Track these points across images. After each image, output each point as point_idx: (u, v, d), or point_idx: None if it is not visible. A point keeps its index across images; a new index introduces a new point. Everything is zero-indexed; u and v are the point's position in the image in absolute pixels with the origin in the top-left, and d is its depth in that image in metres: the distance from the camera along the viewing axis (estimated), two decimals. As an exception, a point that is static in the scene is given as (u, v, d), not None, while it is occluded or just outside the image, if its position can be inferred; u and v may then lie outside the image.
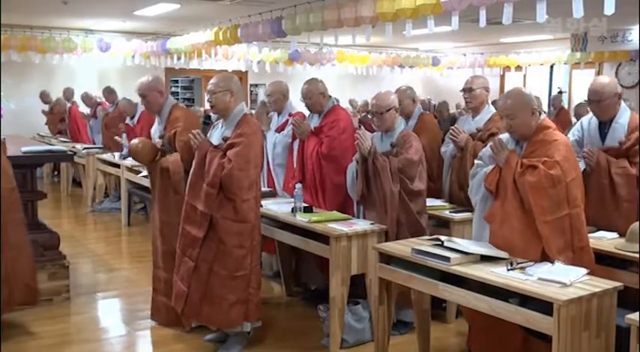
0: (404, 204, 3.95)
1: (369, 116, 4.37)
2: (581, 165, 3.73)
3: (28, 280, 4.06)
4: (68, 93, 10.84)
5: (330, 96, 4.79)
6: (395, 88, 4.79)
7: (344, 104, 11.76)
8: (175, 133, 4.08)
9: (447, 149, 4.61)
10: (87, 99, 10.03)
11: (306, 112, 4.90)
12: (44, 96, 11.08)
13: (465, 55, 14.65)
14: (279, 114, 5.15)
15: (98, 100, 9.78)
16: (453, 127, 4.50)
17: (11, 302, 4.03)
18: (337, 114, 4.67)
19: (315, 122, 4.70)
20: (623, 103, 3.88)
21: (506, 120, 3.25)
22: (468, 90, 4.52)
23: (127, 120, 8.25)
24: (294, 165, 4.76)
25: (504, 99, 3.32)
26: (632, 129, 3.77)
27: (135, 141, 4.26)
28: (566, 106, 12.74)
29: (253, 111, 6.40)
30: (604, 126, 3.88)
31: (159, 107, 4.22)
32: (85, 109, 10.25)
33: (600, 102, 3.80)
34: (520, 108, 3.20)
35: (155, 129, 4.37)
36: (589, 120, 4.00)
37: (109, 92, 9.23)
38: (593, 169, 3.75)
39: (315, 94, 4.64)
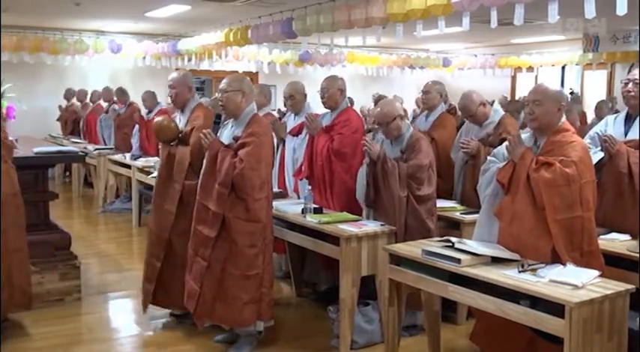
0: (412, 209, 3.95)
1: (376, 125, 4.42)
2: (600, 155, 3.71)
3: (24, 285, 4.09)
4: (81, 96, 10.92)
5: (346, 97, 4.81)
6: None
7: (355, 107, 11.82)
8: (193, 129, 4.11)
9: (457, 155, 4.61)
10: (106, 94, 10.02)
11: (322, 112, 4.91)
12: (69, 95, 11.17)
13: (475, 55, 14.60)
14: (295, 115, 5.16)
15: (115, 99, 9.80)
16: (463, 139, 4.51)
17: (10, 305, 4.06)
18: (349, 115, 4.69)
19: (327, 120, 4.71)
20: None
21: (530, 106, 3.22)
22: (470, 117, 4.59)
23: (143, 113, 8.30)
24: (303, 161, 4.76)
25: (537, 86, 3.34)
26: None
27: (160, 118, 4.34)
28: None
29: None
30: (629, 121, 3.85)
31: (184, 102, 4.29)
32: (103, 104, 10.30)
33: None
34: (549, 97, 3.20)
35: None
36: (616, 116, 3.98)
37: (121, 93, 9.28)
38: (612, 156, 3.72)
39: (333, 88, 4.66)
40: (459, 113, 9.60)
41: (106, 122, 9.53)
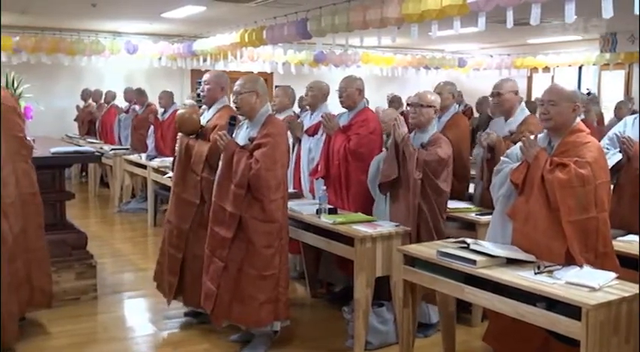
0: (426, 195, 3.96)
1: (407, 108, 4.44)
2: (618, 157, 3.69)
3: (44, 284, 4.12)
4: (97, 96, 11.02)
5: (364, 98, 4.82)
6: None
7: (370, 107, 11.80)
8: (216, 126, 4.12)
9: (479, 152, 4.57)
10: (128, 94, 10.02)
11: (338, 113, 4.91)
12: (86, 95, 11.27)
13: (491, 56, 14.53)
14: (312, 113, 5.17)
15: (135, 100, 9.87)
16: (484, 133, 4.45)
17: (30, 304, 4.09)
18: (367, 115, 4.69)
19: (344, 120, 4.71)
20: None
21: (545, 106, 3.20)
22: (496, 94, 4.48)
23: (159, 114, 8.35)
24: (320, 160, 4.76)
25: (552, 86, 3.32)
26: None
27: (183, 110, 4.41)
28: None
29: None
30: None
31: (213, 100, 4.33)
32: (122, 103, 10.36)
33: None
34: (564, 97, 3.18)
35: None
36: (635, 117, 3.95)
37: (139, 94, 9.33)
38: (630, 158, 3.69)
39: (351, 88, 4.67)
40: (475, 114, 9.48)
41: (125, 122, 9.58)
